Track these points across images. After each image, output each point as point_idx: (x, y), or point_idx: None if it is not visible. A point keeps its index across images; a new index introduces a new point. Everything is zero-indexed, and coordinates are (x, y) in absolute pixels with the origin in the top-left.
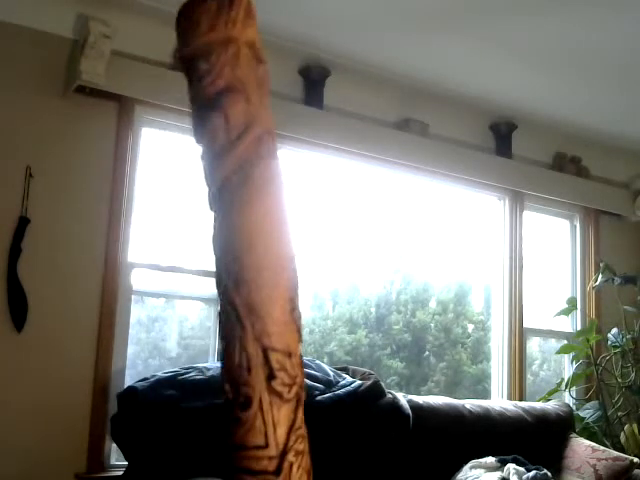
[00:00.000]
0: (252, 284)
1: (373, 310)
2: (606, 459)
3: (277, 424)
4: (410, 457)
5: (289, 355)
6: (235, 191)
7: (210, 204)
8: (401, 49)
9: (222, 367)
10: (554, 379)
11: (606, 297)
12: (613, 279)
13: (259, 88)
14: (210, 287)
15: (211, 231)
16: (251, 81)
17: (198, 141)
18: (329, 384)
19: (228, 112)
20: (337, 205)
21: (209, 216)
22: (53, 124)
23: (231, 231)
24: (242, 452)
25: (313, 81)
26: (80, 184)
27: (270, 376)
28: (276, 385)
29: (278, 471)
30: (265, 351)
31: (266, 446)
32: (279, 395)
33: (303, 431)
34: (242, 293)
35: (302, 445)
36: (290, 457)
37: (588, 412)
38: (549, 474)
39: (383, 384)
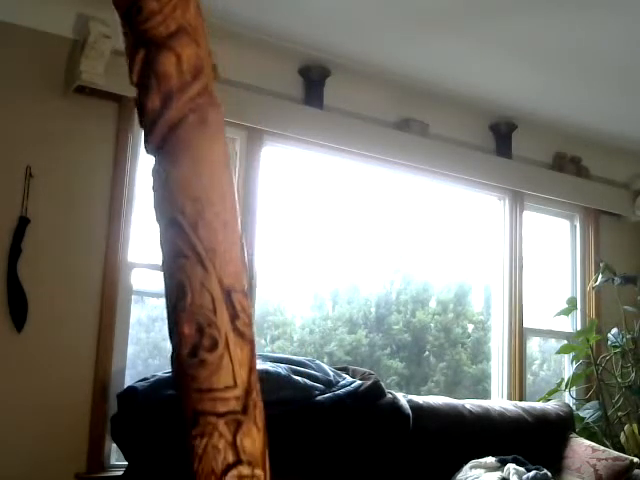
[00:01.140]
0: (212, 225)
1: (373, 310)
2: (606, 459)
3: (241, 364)
4: (410, 457)
5: (246, 295)
6: (193, 130)
7: (151, 148)
8: (401, 49)
9: (174, 313)
10: (554, 379)
11: (606, 297)
12: (613, 279)
13: (204, 34)
14: None
15: (153, 177)
16: (199, 26)
17: (139, 82)
18: (329, 384)
19: (181, 53)
20: (337, 205)
21: (149, 162)
22: (53, 124)
23: (189, 171)
24: (208, 394)
25: (313, 81)
26: (80, 184)
27: (234, 316)
28: (240, 325)
29: (245, 410)
30: (228, 292)
31: (234, 385)
32: (242, 335)
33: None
34: (202, 235)
35: (259, 385)
36: (254, 396)
37: (588, 412)
38: (549, 474)
39: (383, 384)
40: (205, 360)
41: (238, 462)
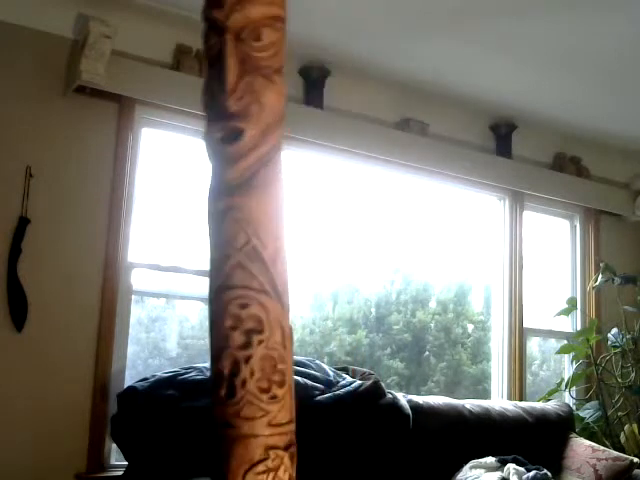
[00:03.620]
0: (284, 262)
1: (373, 310)
2: (606, 459)
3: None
4: (410, 457)
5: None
6: (276, 168)
7: (232, 179)
8: (401, 49)
9: (247, 347)
10: (554, 379)
11: (606, 297)
12: (613, 279)
13: None
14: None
15: (227, 208)
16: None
17: (239, 109)
18: (329, 384)
19: (281, 90)
20: (337, 205)
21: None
22: (53, 124)
23: (274, 208)
24: (278, 429)
25: (313, 81)
26: (80, 184)
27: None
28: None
29: (295, 442)
30: (290, 327)
31: (292, 420)
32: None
33: None
34: (279, 272)
35: None
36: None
37: (588, 412)
38: (549, 474)
39: (383, 384)
40: (276, 395)
41: None
